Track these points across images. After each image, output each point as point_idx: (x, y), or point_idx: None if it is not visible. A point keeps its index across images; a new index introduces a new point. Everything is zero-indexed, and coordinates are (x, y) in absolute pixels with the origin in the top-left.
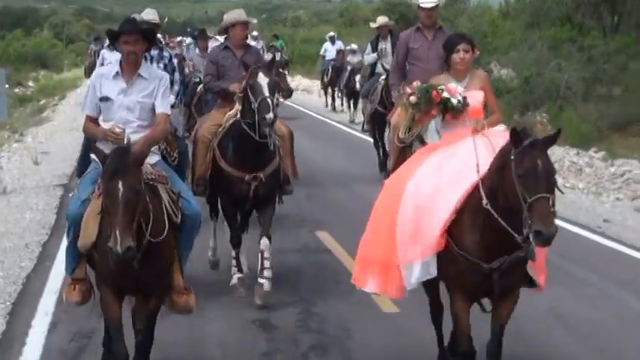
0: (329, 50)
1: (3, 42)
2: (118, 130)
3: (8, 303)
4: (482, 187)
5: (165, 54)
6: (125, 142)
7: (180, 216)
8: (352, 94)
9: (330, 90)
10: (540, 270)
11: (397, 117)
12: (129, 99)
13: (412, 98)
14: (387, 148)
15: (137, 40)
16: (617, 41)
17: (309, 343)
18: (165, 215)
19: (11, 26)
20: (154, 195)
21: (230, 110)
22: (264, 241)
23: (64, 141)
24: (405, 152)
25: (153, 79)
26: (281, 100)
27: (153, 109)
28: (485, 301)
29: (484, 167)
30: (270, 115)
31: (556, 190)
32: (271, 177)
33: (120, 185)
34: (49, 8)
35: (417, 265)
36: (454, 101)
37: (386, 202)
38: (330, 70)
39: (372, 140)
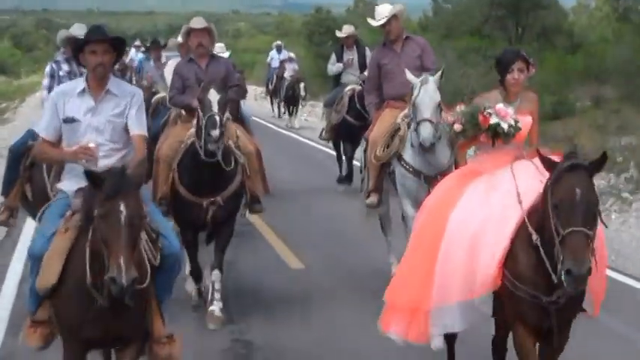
0: (275, 59)
1: None
2: (92, 145)
3: None
4: (528, 220)
5: None
6: (99, 161)
7: (158, 257)
8: (292, 102)
9: (275, 98)
10: (597, 300)
11: (375, 134)
12: (97, 119)
13: (457, 127)
14: (361, 162)
15: (106, 51)
16: None
17: (229, 291)
18: (145, 257)
19: None
20: None
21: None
22: (216, 273)
23: None
24: (383, 169)
25: (124, 95)
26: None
27: (125, 130)
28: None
29: (529, 196)
30: (216, 132)
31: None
32: (231, 199)
33: (122, 208)
34: (9, 20)
35: (456, 308)
36: (505, 126)
37: (423, 238)
38: (275, 78)
39: (308, 142)
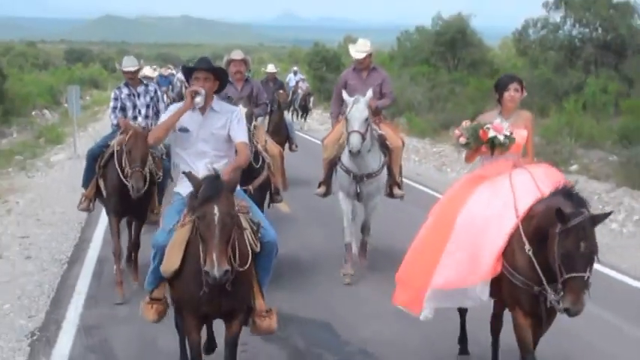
0: (292, 79)
1: (70, 71)
2: (195, 87)
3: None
4: (523, 231)
5: (151, 88)
6: (201, 98)
7: (259, 245)
8: (304, 110)
9: (291, 108)
10: None
11: (328, 139)
12: (204, 131)
13: (462, 139)
14: None
15: (207, 79)
16: (454, 75)
17: None
18: (248, 245)
19: (75, 60)
20: (237, 226)
21: None
22: None
23: None
24: (332, 167)
25: (225, 112)
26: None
27: (226, 140)
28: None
29: (524, 204)
30: None
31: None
32: (258, 190)
33: (216, 210)
34: (99, 49)
35: (451, 293)
36: (500, 138)
37: (434, 229)
38: (291, 93)
39: (311, 138)
